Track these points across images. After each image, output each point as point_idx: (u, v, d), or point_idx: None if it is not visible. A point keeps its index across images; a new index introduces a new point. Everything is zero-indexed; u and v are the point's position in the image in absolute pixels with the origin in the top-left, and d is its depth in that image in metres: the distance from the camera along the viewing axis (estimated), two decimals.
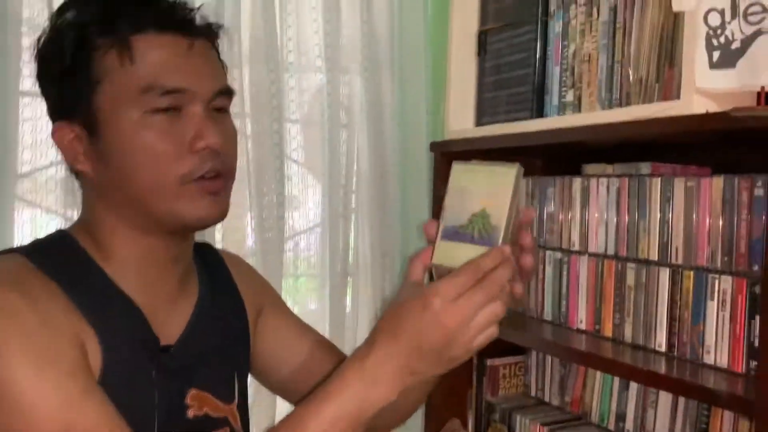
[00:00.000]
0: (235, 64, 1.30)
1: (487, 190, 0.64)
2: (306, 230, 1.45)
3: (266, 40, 1.32)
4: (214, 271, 0.85)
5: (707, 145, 1.12)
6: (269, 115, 1.32)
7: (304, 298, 1.44)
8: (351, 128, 1.45)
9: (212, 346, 0.79)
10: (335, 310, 1.44)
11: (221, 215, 0.72)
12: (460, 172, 0.67)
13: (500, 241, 0.63)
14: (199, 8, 0.73)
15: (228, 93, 0.74)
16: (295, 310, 1.37)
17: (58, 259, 0.71)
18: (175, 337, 0.75)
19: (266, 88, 1.32)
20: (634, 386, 1.19)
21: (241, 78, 1.32)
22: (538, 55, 1.26)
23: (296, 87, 1.39)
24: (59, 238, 0.74)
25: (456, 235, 0.65)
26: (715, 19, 0.86)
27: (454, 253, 0.65)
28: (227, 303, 0.84)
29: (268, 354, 0.89)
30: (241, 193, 1.32)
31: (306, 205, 1.43)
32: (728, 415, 1.01)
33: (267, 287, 0.95)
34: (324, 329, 1.42)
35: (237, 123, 1.31)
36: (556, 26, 1.23)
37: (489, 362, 1.46)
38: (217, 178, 0.70)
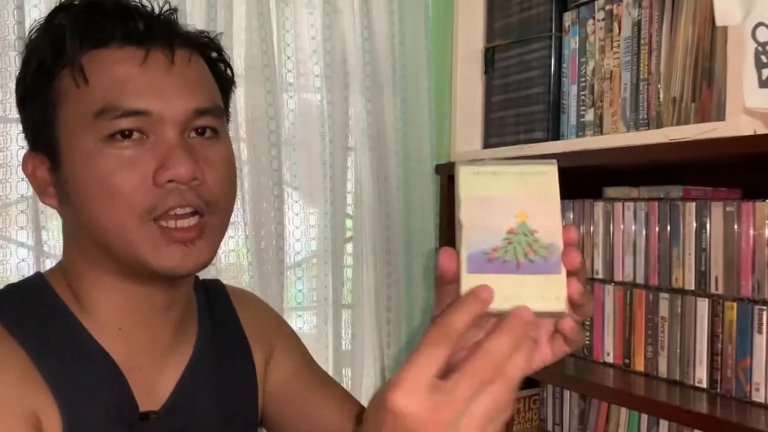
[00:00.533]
0: None
1: (523, 197, 0.47)
2: (305, 260, 1.35)
3: (263, 58, 1.23)
4: (218, 313, 0.74)
5: (734, 167, 1.07)
6: (267, 139, 1.23)
7: (305, 332, 1.34)
8: (352, 150, 1.37)
9: (210, 407, 0.68)
10: (336, 344, 1.34)
11: (197, 266, 0.60)
12: (472, 176, 0.48)
13: (562, 265, 0.46)
14: (168, 12, 0.62)
15: (213, 112, 0.62)
16: None
17: (28, 310, 0.62)
18: (162, 400, 0.64)
19: (263, 110, 1.23)
20: (664, 424, 1.12)
21: (236, 100, 1.23)
22: (552, 73, 1.20)
23: (296, 109, 1.30)
24: (34, 283, 0.65)
25: (491, 264, 0.46)
26: (764, 35, 0.81)
27: (496, 292, 0.46)
28: (231, 351, 0.73)
29: (280, 410, 0.77)
30: (237, 223, 1.23)
31: (307, 234, 1.34)
32: None
33: (281, 327, 0.83)
34: (325, 366, 1.32)
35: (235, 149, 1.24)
36: (571, 42, 1.17)
37: None
38: (190, 225, 0.59)
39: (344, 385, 1.34)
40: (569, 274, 0.47)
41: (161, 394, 0.64)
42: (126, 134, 0.58)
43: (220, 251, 1.20)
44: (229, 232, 1.21)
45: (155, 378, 0.64)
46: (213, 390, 0.69)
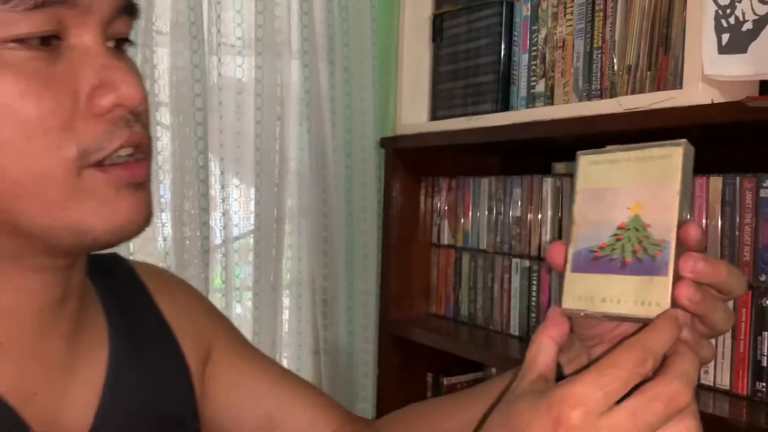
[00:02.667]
0: (149, 43, 1.10)
1: (639, 187, 0.41)
2: (235, 238, 1.26)
3: (190, 15, 1.12)
4: (130, 302, 0.56)
5: (690, 140, 1.03)
6: (192, 103, 1.13)
7: (233, 317, 1.25)
8: (286, 121, 1.27)
9: (138, 427, 0.52)
10: (269, 330, 1.26)
11: (148, 218, 0.46)
12: (592, 166, 0.43)
13: (671, 265, 0.39)
14: None
15: (136, 14, 0.46)
16: None
17: None
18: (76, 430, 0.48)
19: (189, 73, 1.12)
20: None
21: (157, 60, 1.12)
22: (503, 41, 1.14)
23: (224, 72, 1.20)
24: None
25: (596, 262, 0.41)
26: None
27: (595, 292, 0.41)
28: (154, 351, 0.55)
29: (231, 416, 0.61)
30: (154, 195, 1.12)
31: (233, 209, 1.24)
32: None
33: (216, 316, 0.65)
34: None
35: (154, 113, 1.13)
36: (523, 8, 1.11)
37: (446, 381, 1.33)
38: (138, 159, 0.44)
39: None
40: (682, 277, 0.39)
41: (72, 423, 0.47)
42: (30, 40, 0.39)
43: None
44: None
45: (59, 403, 0.47)
46: (140, 405, 0.52)
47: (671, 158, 0.40)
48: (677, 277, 0.39)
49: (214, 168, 1.18)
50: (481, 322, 1.23)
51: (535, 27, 1.09)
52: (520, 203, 1.15)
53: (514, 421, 0.38)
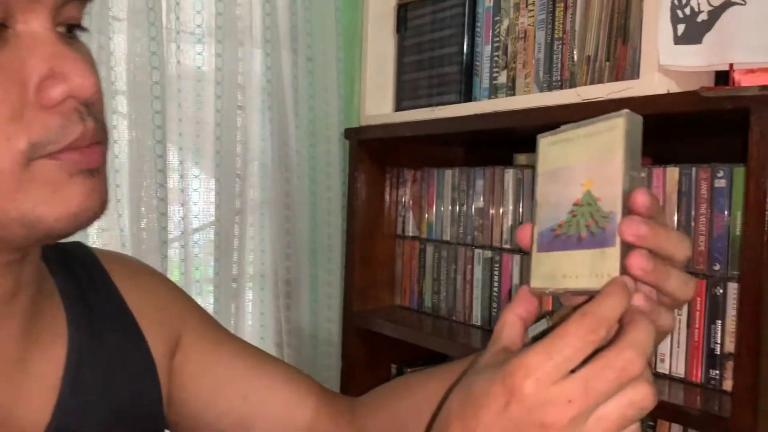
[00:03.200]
0: (105, 30, 1.08)
1: (589, 162, 0.41)
2: (195, 230, 1.24)
3: (148, 1, 1.10)
4: (91, 292, 0.54)
5: (647, 132, 1.04)
6: (149, 91, 1.10)
7: None
8: (248, 111, 1.26)
9: (101, 427, 0.50)
10: (231, 323, 1.24)
11: (103, 206, 0.44)
12: (549, 147, 0.44)
13: (618, 235, 0.39)
14: None
15: None
16: None
17: None
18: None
19: (146, 60, 1.10)
20: None
21: (114, 46, 1.10)
22: (466, 32, 1.13)
23: (183, 60, 1.18)
24: None
25: (556, 240, 0.42)
26: None
27: (557, 270, 0.42)
28: (116, 343, 0.53)
29: (205, 409, 0.59)
30: (110, 184, 1.10)
31: (193, 200, 1.22)
32: (676, 428, 0.93)
33: (183, 302, 0.62)
34: None
35: (110, 101, 1.10)
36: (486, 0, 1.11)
37: (409, 372, 1.32)
38: (93, 143, 0.42)
39: None
40: (635, 246, 0.39)
41: (28, 422, 0.46)
42: None
43: None
44: None
45: (14, 402, 0.45)
46: (101, 401, 0.50)
47: (614, 130, 0.40)
48: (629, 247, 0.39)
49: (173, 158, 1.16)
50: (445, 313, 1.23)
51: (498, 18, 1.08)
52: (482, 195, 1.15)
53: (474, 392, 0.38)
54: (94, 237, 1.09)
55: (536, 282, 0.43)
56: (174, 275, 1.20)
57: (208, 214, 1.23)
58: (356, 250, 1.31)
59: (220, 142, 1.20)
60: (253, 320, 1.31)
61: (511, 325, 0.42)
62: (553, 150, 0.44)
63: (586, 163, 0.41)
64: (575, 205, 0.42)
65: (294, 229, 1.31)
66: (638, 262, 0.38)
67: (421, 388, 0.60)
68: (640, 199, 0.39)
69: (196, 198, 1.22)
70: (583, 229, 0.41)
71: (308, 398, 0.63)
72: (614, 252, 0.39)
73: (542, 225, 0.43)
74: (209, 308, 1.23)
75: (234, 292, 1.25)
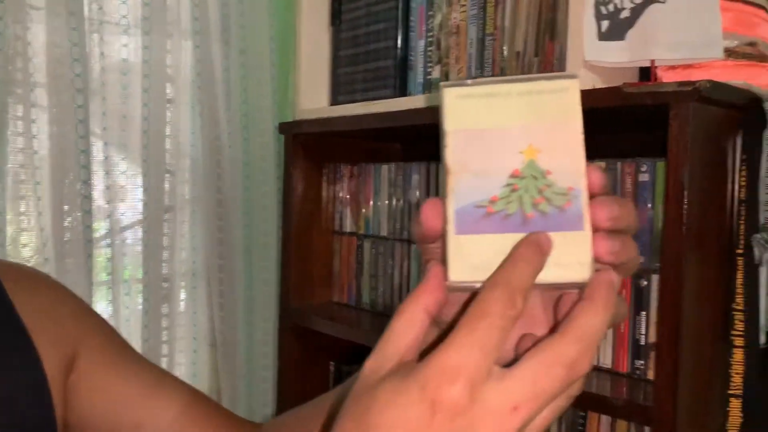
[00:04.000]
0: (22, 19, 1.02)
1: (531, 126, 0.34)
2: (123, 228, 1.19)
3: None
4: None
5: None
6: (71, 84, 1.05)
7: (121, 311, 1.18)
8: (178, 104, 1.22)
9: None
10: (161, 324, 1.20)
11: None
12: (462, 101, 0.35)
13: (587, 216, 0.33)
14: None
15: None
16: None
17: None
18: None
19: (67, 51, 1.05)
20: None
21: (32, 37, 1.04)
22: (400, 26, 1.12)
23: (107, 51, 1.13)
24: None
25: (487, 220, 0.34)
26: None
27: (492, 258, 0.33)
28: (4, 360, 0.51)
29: (98, 426, 0.56)
30: (27, 181, 1.04)
31: (119, 197, 1.17)
32: (605, 418, 0.95)
33: (84, 317, 0.59)
34: (146, 349, 1.18)
35: (28, 94, 1.05)
36: None
37: (348, 369, 1.31)
38: None
39: (167, 367, 1.21)
40: (597, 229, 0.33)
41: None
42: None
43: (7, 216, 1.01)
44: (19, 191, 1.03)
45: None
46: None
47: (567, 92, 0.34)
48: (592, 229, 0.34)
49: (97, 153, 1.11)
50: (382, 309, 1.23)
51: (431, 12, 1.08)
52: (418, 189, 1.15)
53: (376, 418, 0.30)
54: (13, 236, 1.04)
55: (459, 274, 0.33)
56: (101, 276, 1.15)
57: (136, 212, 1.18)
58: (292, 246, 1.29)
59: (148, 136, 1.16)
60: (186, 321, 1.27)
61: (414, 322, 0.32)
62: (468, 105, 0.35)
63: (527, 127, 0.34)
64: (514, 176, 0.34)
65: (227, 227, 1.28)
66: (608, 246, 0.33)
67: (310, 419, 0.55)
68: (597, 177, 0.34)
69: (123, 195, 1.17)
70: (529, 208, 0.33)
71: (208, 428, 0.59)
72: (583, 237, 0.33)
73: (461, 199, 0.34)
74: (138, 310, 1.19)
75: (165, 293, 1.21)
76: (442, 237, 0.34)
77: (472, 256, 0.33)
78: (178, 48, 1.20)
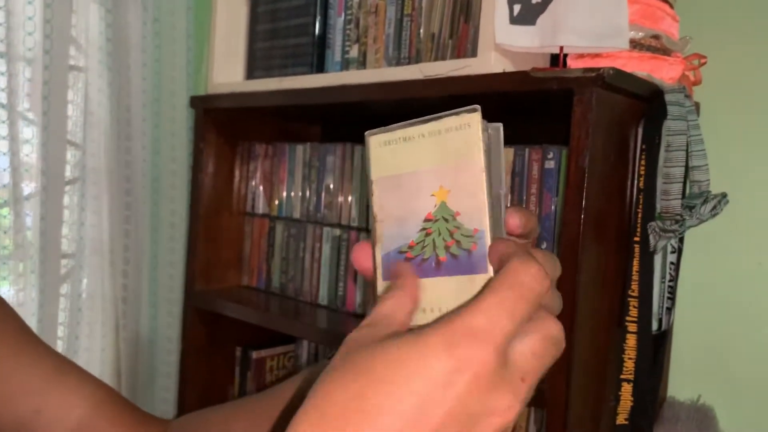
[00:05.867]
0: None
1: (440, 166, 0.34)
2: (17, 199, 1.11)
3: None
4: None
5: (489, 117, 1.06)
6: None
7: (13, 287, 1.10)
8: (85, 70, 1.15)
9: None
10: (51, 305, 1.12)
11: None
12: (383, 148, 0.36)
13: (489, 261, 0.33)
14: None
15: None
16: None
17: None
18: None
19: None
20: None
21: None
22: (318, 3, 1.09)
23: (5, 7, 1.05)
24: None
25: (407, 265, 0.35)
26: None
27: (421, 300, 0.34)
28: None
29: None
30: None
31: (15, 162, 1.09)
32: None
33: None
34: (48, 330, 1.11)
35: None
36: None
37: (255, 354, 1.28)
38: None
39: (66, 350, 1.14)
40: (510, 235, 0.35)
41: None
42: None
43: None
44: None
45: None
46: None
47: (469, 128, 0.33)
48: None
49: None
50: (292, 293, 1.20)
51: None
52: (333, 171, 1.13)
53: (387, 373, 0.28)
54: None
55: None
56: None
57: (35, 183, 1.11)
58: (200, 227, 1.24)
59: (48, 102, 1.08)
60: (87, 302, 1.20)
61: (400, 305, 0.32)
62: (389, 151, 0.35)
63: (436, 168, 0.34)
64: (427, 220, 0.34)
65: (135, 204, 1.22)
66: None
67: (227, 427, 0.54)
68: (514, 221, 0.34)
69: (17, 161, 1.09)
70: (442, 251, 0.33)
71: (119, 427, 0.56)
72: (488, 279, 0.32)
73: (386, 246, 0.35)
74: (33, 290, 1.11)
75: (66, 271, 1.14)
76: (373, 280, 0.35)
77: None
78: (85, 9, 1.12)
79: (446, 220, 0.34)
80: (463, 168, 0.33)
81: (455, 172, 0.34)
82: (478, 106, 0.34)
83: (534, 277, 0.30)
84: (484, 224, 0.33)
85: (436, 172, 0.34)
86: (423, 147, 0.34)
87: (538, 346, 0.30)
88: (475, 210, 0.33)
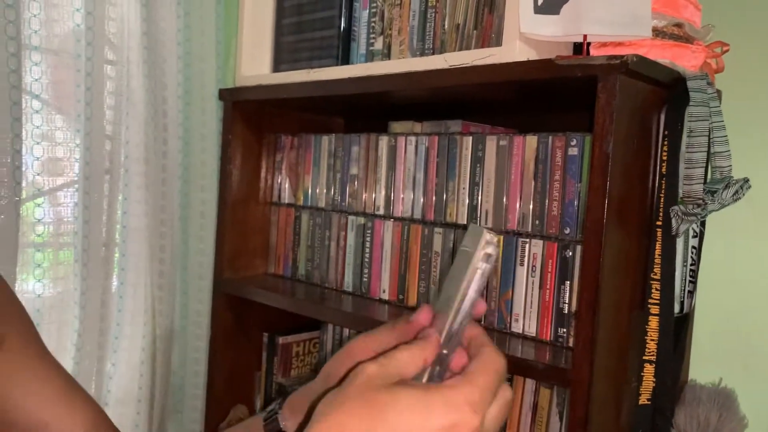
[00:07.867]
0: None
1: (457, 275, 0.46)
2: (57, 188, 1.15)
3: None
4: None
5: (513, 107, 1.08)
6: (3, 32, 1.01)
7: (51, 276, 1.14)
8: (120, 65, 1.18)
9: None
10: (94, 292, 1.16)
11: None
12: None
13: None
14: None
15: None
16: (36, 293, 1.10)
17: None
18: None
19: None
20: None
21: None
22: None
23: (42, 1, 1.09)
24: None
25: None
26: None
27: None
28: None
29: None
30: None
31: (56, 154, 1.13)
32: (530, 383, 0.97)
33: (11, 306, 0.59)
34: (76, 315, 1.15)
35: None
36: None
37: (281, 340, 1.31)
38: None
39: (105, 345, 1.18)
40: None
41: None
42: None
43: None
44: None
45: None
46: None
47: (470, 260, 0.44)
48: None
49: (28, 105, 1.07)
50: (318, 281, 1.23)
51: None
52: (357, 161, 1.15)
53: (394, 416, 0.37)
54: None
55: None
56: (29, 236, 1.11)
57: (72, 172, 1.14)
58: (228, 216, 1.27)
59: (91, 93, 1.12)
60: (129, 290, 1.23)
61: (413, 358, 0.42)
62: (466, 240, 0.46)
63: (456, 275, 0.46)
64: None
65: (170, 194, 1.25)
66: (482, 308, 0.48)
67: None
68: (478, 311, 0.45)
69: (60, 153, 1.13)
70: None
71: None
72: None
73: (458, 320, 0.45)
74: (74, 279, 1.14)
75: (102, 256, 1.18)
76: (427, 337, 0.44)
77: None
78: (123, 4, 1.16)
79: None
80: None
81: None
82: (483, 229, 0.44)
83: (503, 364, 0.42)
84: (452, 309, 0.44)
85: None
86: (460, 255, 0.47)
87: (502, 410, 0.41)
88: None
